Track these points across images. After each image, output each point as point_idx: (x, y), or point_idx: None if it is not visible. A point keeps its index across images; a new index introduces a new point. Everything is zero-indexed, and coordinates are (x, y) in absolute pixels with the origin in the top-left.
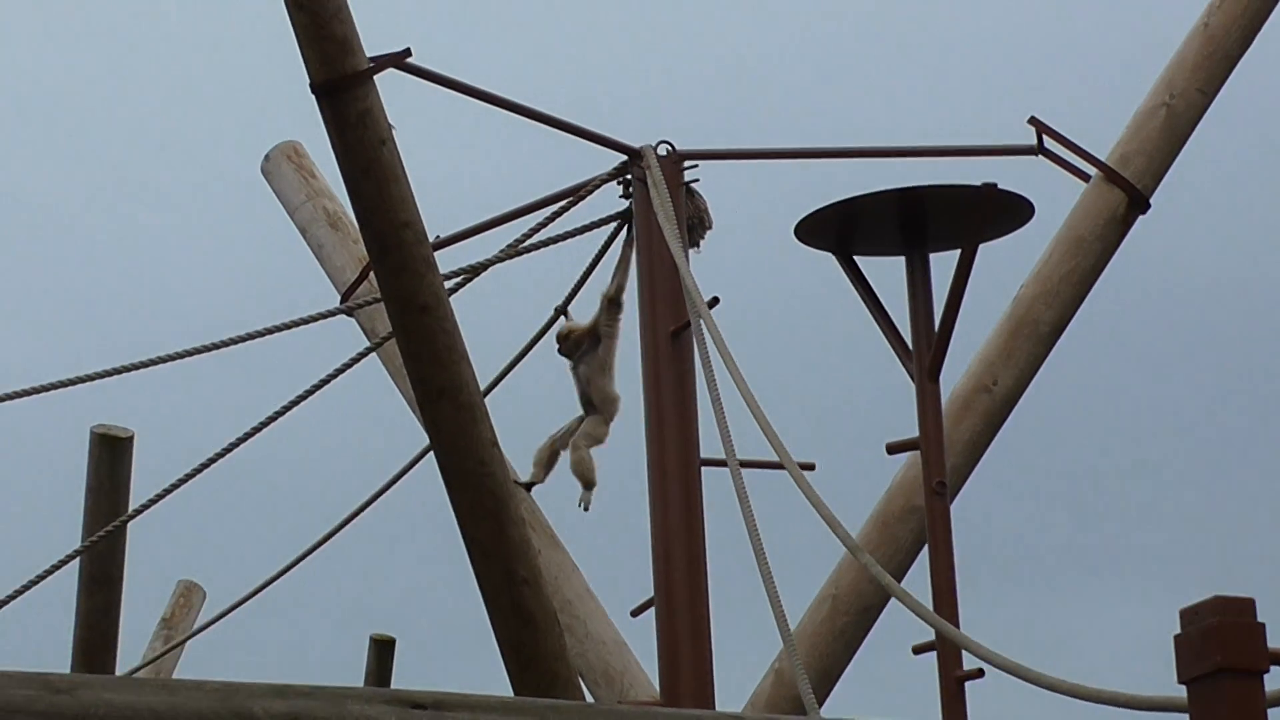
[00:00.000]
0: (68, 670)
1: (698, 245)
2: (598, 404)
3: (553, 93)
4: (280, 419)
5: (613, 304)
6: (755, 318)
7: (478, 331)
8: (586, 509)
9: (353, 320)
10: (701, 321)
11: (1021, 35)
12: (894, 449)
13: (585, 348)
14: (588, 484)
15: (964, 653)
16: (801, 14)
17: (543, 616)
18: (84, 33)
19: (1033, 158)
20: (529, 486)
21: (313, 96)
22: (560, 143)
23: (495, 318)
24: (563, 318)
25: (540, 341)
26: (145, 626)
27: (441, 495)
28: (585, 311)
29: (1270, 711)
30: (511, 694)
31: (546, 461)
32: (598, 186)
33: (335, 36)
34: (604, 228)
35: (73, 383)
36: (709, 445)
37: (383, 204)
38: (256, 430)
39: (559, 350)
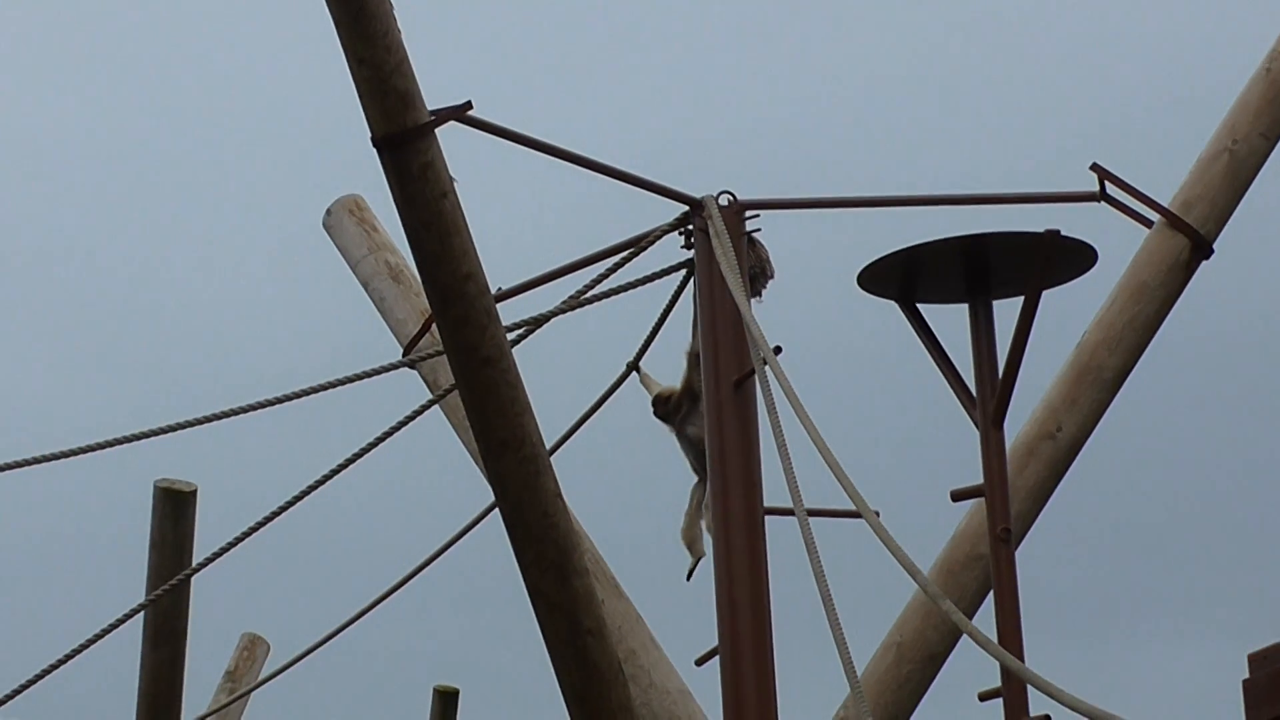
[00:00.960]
0: None
1: (759, 295)
2: None
3: (613, 144)
4: (343, 472)
5: (700, 358)
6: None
7: (540, 383)
8: None
9: (415, 373)
10: (768, 369)
11: (1083, 82)
12: (958, 496)
13: (685, 409)
14: None
15: (1030, 701)
16: (862, 63)
17: (607, 666)
18: (148, 90)
19: (1095, 204)
20: (693, 569)
21: (374, 150)
22: (621, 194)
23: (558, 369)
24: (635, 372)
25: (611, 396)
26: (210, 679)
27: (505, 545)
28: (651, 364)
29: None
30: None
31: (698, 535)
32: (659, 237)
33: (396, 91)
34: (666, 278)
35: (136, 438)
36: (770, 494)
37: (445, 256)
38: (320, 483)
39: (656, 414)
